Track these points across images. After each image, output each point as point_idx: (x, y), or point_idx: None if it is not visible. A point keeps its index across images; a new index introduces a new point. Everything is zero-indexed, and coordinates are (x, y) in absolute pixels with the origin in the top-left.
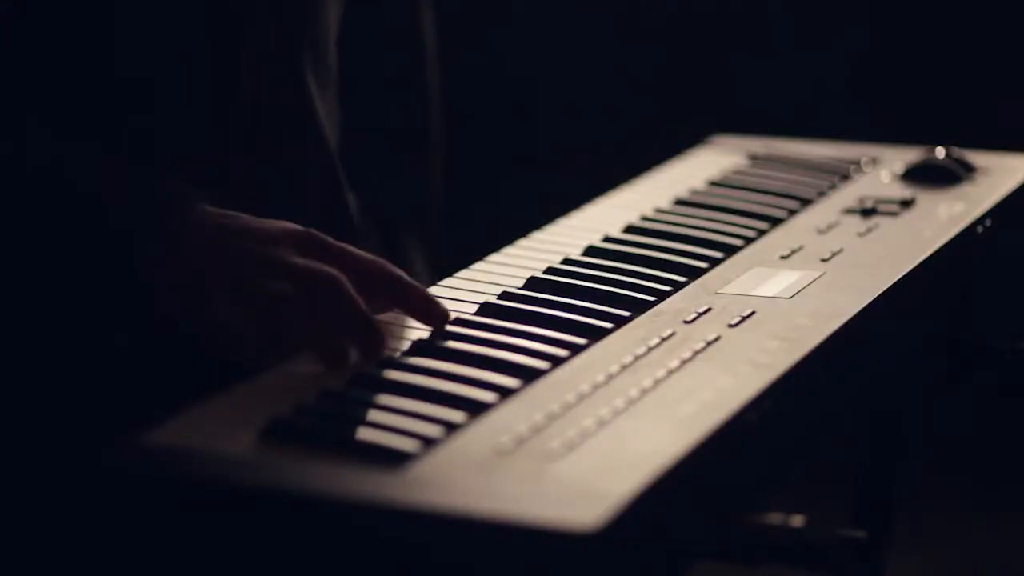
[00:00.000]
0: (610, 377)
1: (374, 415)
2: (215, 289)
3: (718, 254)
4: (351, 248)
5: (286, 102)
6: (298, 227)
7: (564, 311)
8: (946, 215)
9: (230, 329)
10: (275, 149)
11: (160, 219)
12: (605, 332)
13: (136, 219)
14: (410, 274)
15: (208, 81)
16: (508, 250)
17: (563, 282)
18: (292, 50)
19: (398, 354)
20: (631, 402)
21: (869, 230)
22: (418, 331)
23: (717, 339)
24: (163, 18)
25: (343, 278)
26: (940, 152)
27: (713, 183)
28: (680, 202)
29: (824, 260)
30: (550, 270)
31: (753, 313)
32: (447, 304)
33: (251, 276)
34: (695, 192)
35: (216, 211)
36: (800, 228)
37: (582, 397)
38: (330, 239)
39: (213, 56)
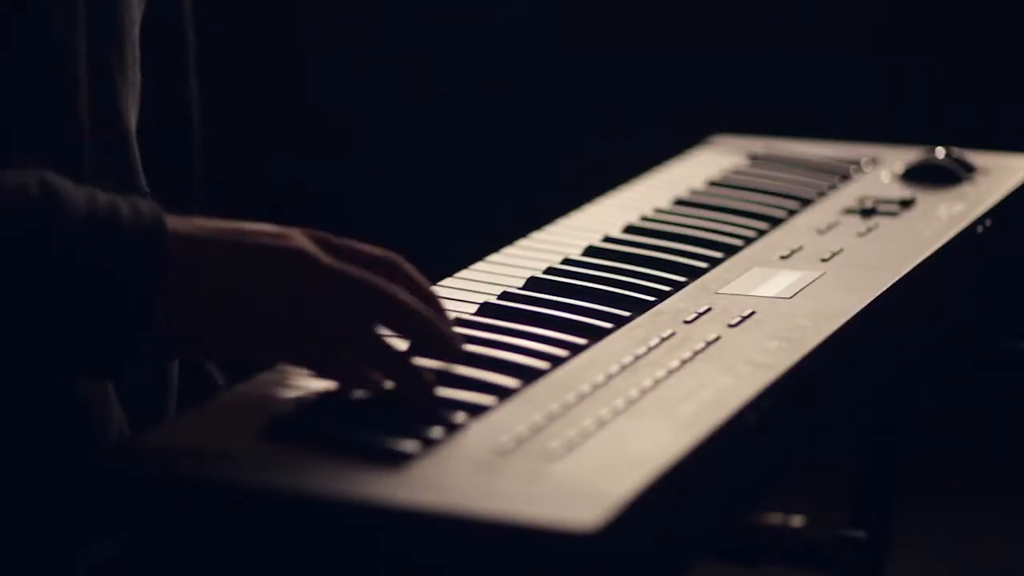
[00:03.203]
0: (610, 377)
1: (374, 415)
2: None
3: (718, 254)
4: (357, 244)
5: (97, 108)
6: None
7: (564, 311)
8: (946, 215)
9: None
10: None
11: (151, 263)
12: (605, 332)
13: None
14: None
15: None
16: (508, 250)
17: (563, 282)
18: (100, 53)
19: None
20: (631, 402)
21: (869, 230)
22: None
23: (717, 339)
24: None
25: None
26: (940, 152)
27: (713, 183)
28: (680, 202)
29: (824, 260)
30: (550, 270)
31: (753, 313)
32: (447, 304)
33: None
34: (695, 192)
35: (188, 224)
36: (800, 228)
37: (582, 397)
38: (333, 237)
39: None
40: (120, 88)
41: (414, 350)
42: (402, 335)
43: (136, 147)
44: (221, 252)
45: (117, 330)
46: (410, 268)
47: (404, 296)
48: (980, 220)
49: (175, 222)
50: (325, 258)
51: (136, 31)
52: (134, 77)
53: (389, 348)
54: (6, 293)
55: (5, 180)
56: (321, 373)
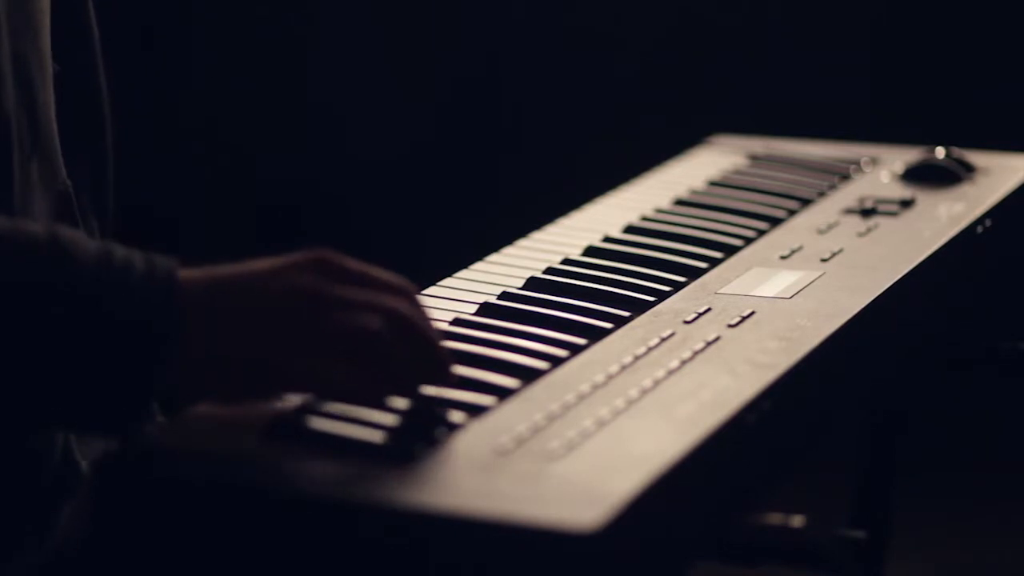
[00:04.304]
0: (610, 377)
1: (374, 415)
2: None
3: (718, 254)
4: (370, 269)
5: (20, 101)
6: (295, 259)
7: (564, 311)
8: (946, 215)
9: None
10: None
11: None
12: (605, 332)
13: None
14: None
15: None
16: (508, 250)
17: (563, 282)
18: (20, 44)
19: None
20: (631, 402)
21: (869, 230)
22: None
23: (717, 339)
24: None
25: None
26: (940, 152)
27: (713, 183)
28: (680, 202)
29: (824, 260)
30: (550, 270)
31: (753, 313)
32: (447, 304)
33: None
34: (695, 192)
35: (198, 274)
36: (800, 228)
37: (582, 397)
38: (346, 260)
39: None
40: (38, 79)
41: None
42: (402, 350)
43: (57, 139)
44: (232, 300)
45: (130, 378)
46: (419, 298)
47: (407, 310)
48: (980, 220)
49: (188, 273)
50: (322, 285)
51: (47, 21)
52: (48, 68)
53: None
54: (11, 340)
55: (14, 229)
56: (344, 399)
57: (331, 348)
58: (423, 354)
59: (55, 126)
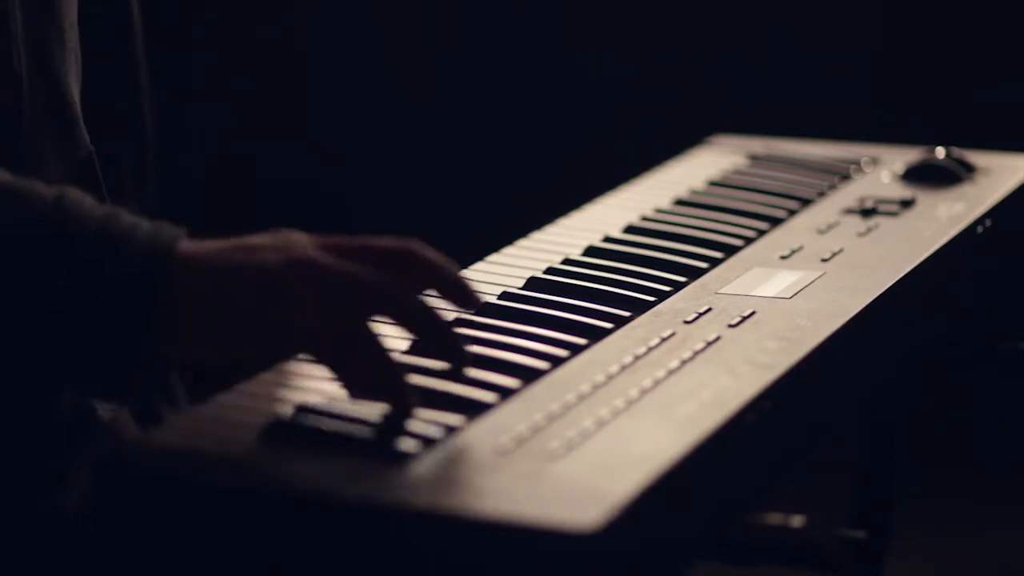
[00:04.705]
0: (610, 377)
1: (374, 415)
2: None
3: (718, 254)
4: (370, 239)
5: (32, 68)
6: (299, 234)
7: (564, 311)
8: (946, 215)
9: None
10: (34, 136)
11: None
12: (605, 332)
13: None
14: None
15: None
16: (508, 250)
17: (563, 282)
18: (32, 15)
19: (398, 354)
20: (631, 402)
21: (869, 230)
22: None
23: (717, 339)
24: None
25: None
26: (940, 152)
27: (713, 183)
28: (680, 202)
29: (824, 260)
30: (550, 270)
31: (753, 313)
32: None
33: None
34: (695, 192)
35: (201, 243)
36: (800, 228)
37: (582, 397)
38: (344, 239)
39: None
40: (55, 50)
41: (420, 346)
42: (407, 330)
43: (78, 109)
44: (226, 265)
45: (127, 329)
46: (430, 254)
47: (404, 290)
48: (980, 220)
49: (189, 243)
50: (325, 259)
51: None
52: (72, 42)
53: (382, 350)
54: (13, 293)
55: (23, 187)
56: (327, 365)
57: (325, 314)
58: (425, 330)
59: (76, 95)
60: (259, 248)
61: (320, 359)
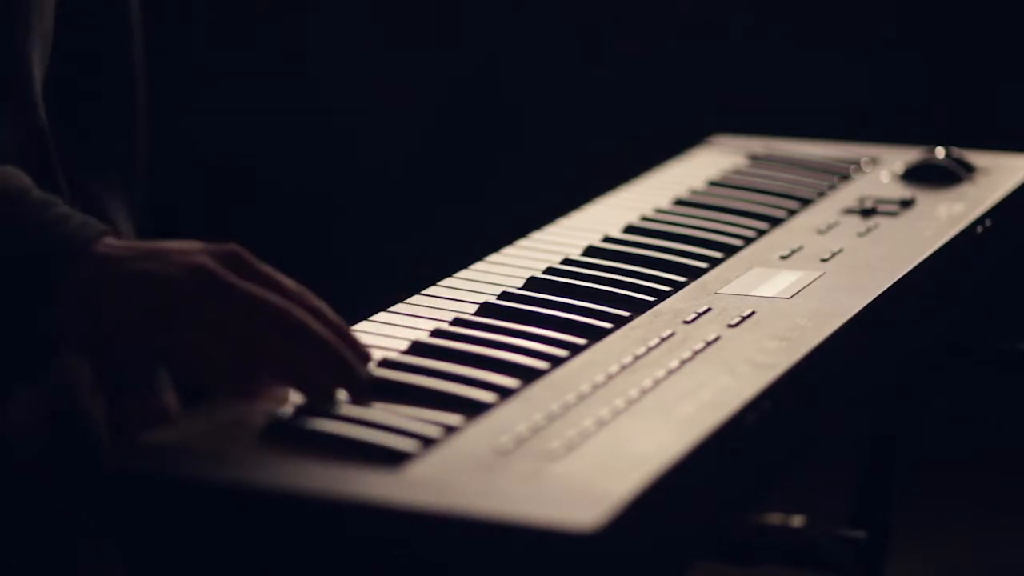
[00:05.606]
0: (610, 377)
1: (374, 415)
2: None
3: (718, 254)
4: (272, 272)
5: (5, 76)
6: (211, 246)
7: (564, 311)
8: (946, 215)
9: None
10: None
11: (67, 265)
12: (605, 332)
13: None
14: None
15: None
16: (508, 250)
17: (563, 282)
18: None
19: (397, 354)
20: (631, 402)
21: (869, 230)
22: (417, 331)
23: (717, 339)
24: None
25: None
26: (940, 152)
27: (713, 183)
28: (680, 202)
29: (824, 260)
30: (550, 270)
31: (753, 313)
32: (447, 304)
33: (212, 308)
34: (695, 192)
35: (117, 242)
36: (800, 228)
37: (582, 397)
38: (251, 258)
39: None
40: (19, 32)
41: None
42: (300, 355)
43: (37, 88)
44: (133, 259)
45: (19, 300)
46: (323, 304)
47: (299, 313)
48: (980, 220)
49: (111, 241)
50: (224, 273)
51: None
52: (41, 24)
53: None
54: None
55: None
56: (216, 384)
57: (216, 331)
58: (317, 354)
59: (38, 76)
60: (171, 255)
61: (232, 382)
